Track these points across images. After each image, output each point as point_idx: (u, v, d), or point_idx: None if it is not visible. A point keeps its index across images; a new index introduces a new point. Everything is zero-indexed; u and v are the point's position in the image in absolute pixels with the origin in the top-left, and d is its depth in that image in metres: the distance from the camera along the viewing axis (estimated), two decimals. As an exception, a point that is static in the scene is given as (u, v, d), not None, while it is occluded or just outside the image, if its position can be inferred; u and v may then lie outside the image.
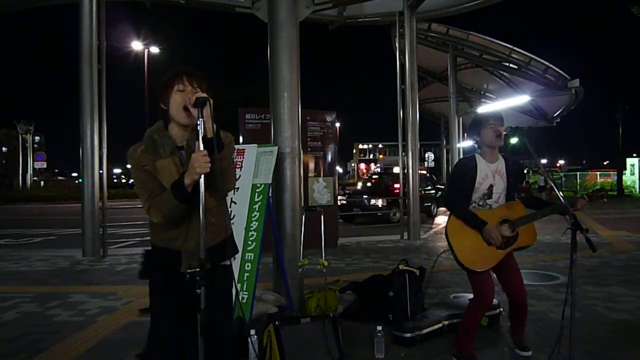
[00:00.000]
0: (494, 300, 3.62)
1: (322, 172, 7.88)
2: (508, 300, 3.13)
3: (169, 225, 1.89)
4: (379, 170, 36.70)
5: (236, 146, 3.99)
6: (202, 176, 1.75)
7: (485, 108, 17.71)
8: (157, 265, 1.96)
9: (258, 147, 3.89)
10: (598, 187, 24.51)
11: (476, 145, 3.07)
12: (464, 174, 2.96)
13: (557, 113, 20.54)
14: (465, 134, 18.97)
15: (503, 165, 3.01)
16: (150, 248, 2.02)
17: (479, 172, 2.94)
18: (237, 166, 3.84)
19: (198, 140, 1.74)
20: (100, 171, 7.55)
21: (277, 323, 2.93)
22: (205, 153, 1.73)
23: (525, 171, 3.80)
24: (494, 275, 3.07)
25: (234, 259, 2.14)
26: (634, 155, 30.78)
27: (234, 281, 2.06)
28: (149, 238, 2.04)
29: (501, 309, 3.75)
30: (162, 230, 1.91)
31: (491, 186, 2.96)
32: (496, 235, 2.84)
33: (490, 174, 2.97)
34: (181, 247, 1.89)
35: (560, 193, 2.55)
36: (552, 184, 2.62)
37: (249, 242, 3.62)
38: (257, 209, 3.68)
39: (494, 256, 2.90)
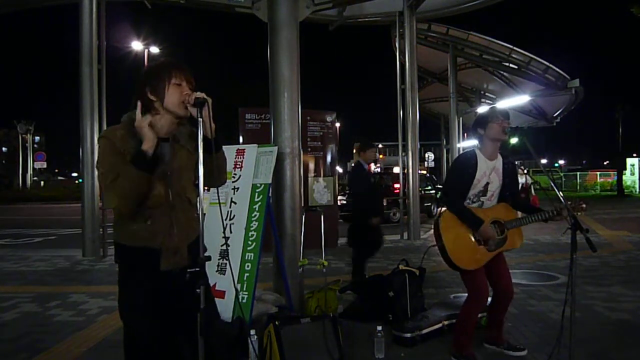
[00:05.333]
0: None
1: (322, 172, 7.88)
2: (493, 294, 3.11)
3: (143, 220, 1.82)
4: (379, 170, 36.66)
5: (236, 146, 4.00)
6: (202, 175, 1.76)
7: (486, 108, 17.67)
8: (134, 265, 1.87)
9: (258, 147, 3.88)
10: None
11: (478, 140, 3.07)
12: (465, 170, 2.96)
13: (557, 113, 20.51)
14: (465, 134, 18.99)
15: (501, 164, 3.02)
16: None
17: (478, 169, 2.95)
18: (237, 166, 3.84)
19: (197, 140, 1.75)
20: (101, 171, 7.54)
21: (277, 323, 2.92)
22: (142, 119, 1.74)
23: (526, 171, 3.79)
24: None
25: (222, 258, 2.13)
26: (634, 155, 30.80)
27: (234, 280, 2.06)
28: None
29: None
30: (140, 228, 1.82)
31: (487, 184, 2.97)
32: (491, 236, 2.85)
33: (488, 172, 2.97)
34: (162, 244, 1.83)
35: (560, 193, 2.56)
36: (552, 184, 2.62)
37: (249, 242, 3.61)
38: (257, 209, 3.68)
39: (482, 256, 2.91)
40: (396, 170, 17.13)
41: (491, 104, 18.70)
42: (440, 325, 3.53)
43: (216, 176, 1.89)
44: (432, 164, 30.21)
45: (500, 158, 3.03)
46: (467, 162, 2.98)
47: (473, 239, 2.90)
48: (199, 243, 1.80)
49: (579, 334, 2.69)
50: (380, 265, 6.42)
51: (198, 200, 1.78)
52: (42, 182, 46.82)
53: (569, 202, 2.62)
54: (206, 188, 1.89)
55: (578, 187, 29.88)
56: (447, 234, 2.94)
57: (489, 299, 3.12)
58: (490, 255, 2.92)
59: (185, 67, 1.90)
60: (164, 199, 1.84)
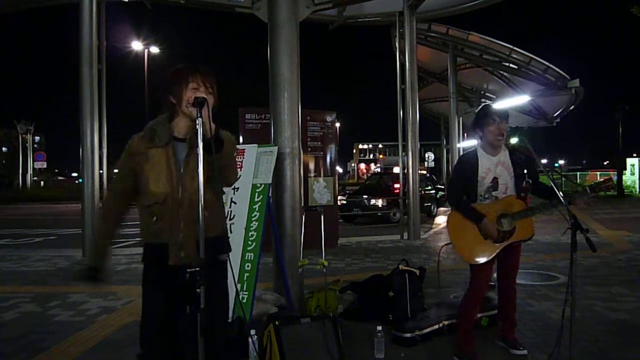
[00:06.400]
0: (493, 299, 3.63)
1: (322, 172, 7.89)
2: (498, 287, 3.19)
3: (154, 217, 1.92)
4: (379, 170, 36.67)
5: (236, 146, 4.00)
6: (202, 173, 1.78)
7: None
8: (149, 260, 2.01)
9: (258, 147, 3.89)
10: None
11: (479, 139, 3.08)
12: (465, 171, 2.99)
13: (557, 113, 20.51)
14: (465, 134, 18.98)
15: (507, 156, 3.01)
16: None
17: (480, 167, 2.95)
18: (237, 166, 3.84)
19: (197, 140, 1.77)
20: (100, 171, 7.56)
21: (277, 323, 2.93)
22: None
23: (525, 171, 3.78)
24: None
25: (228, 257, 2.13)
26: (634, 155, 30.81)
27: (234, 280, 2.06)
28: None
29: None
30: (149, 224, 1.93)
31: (495, 178, 2.97)
32: (492, 230, 2.86)
33: (493, 167, 2.97)
34: (168, 239, 1.90)
35: (560, 193, 2.56)
36: (552, 184, 2.62)
37: (249, 242, 3.61)
38: (257, 209, 3.68)
39: (491, 249, 2.93)
40: (396, 170, 17.15)
41: (492, 104, 18.65)
42: (440, 325, 3.52)
43: (218, 177, 1.89)
44: (432, 164, 30.18)
45: (506, 151, 3.02)
46: (466, 162, 3.01)
47: (479, 233, 2.92)
48: (213, 242, 1.91)
49: (579, 334, 2.69)
50: (380, 265, 6.43)
51: (201, 200, 1.80)
52: (42, 182, 46.79)
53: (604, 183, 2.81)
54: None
55: (578, 187, 29.85)
56: (455, 230, 3.00)
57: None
58: (498, 247, 2.92)
59: (202, 71, 1.95)
60: (171, 196, 1.90)
